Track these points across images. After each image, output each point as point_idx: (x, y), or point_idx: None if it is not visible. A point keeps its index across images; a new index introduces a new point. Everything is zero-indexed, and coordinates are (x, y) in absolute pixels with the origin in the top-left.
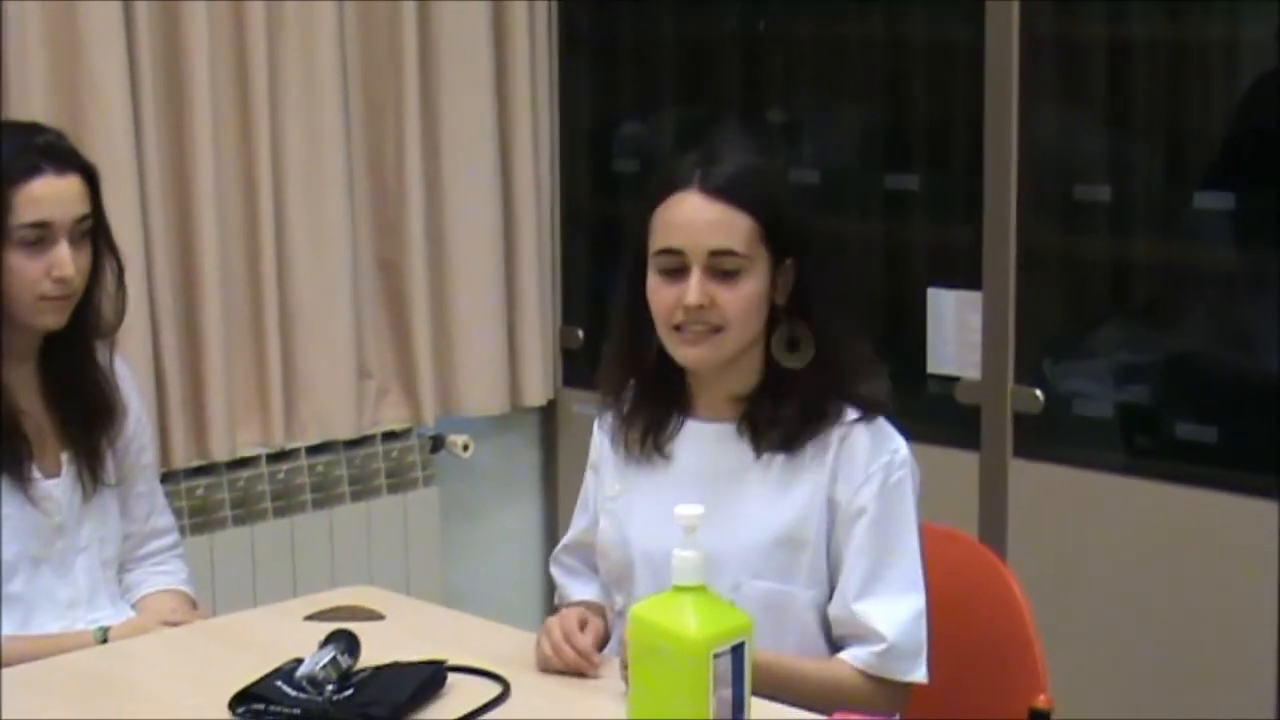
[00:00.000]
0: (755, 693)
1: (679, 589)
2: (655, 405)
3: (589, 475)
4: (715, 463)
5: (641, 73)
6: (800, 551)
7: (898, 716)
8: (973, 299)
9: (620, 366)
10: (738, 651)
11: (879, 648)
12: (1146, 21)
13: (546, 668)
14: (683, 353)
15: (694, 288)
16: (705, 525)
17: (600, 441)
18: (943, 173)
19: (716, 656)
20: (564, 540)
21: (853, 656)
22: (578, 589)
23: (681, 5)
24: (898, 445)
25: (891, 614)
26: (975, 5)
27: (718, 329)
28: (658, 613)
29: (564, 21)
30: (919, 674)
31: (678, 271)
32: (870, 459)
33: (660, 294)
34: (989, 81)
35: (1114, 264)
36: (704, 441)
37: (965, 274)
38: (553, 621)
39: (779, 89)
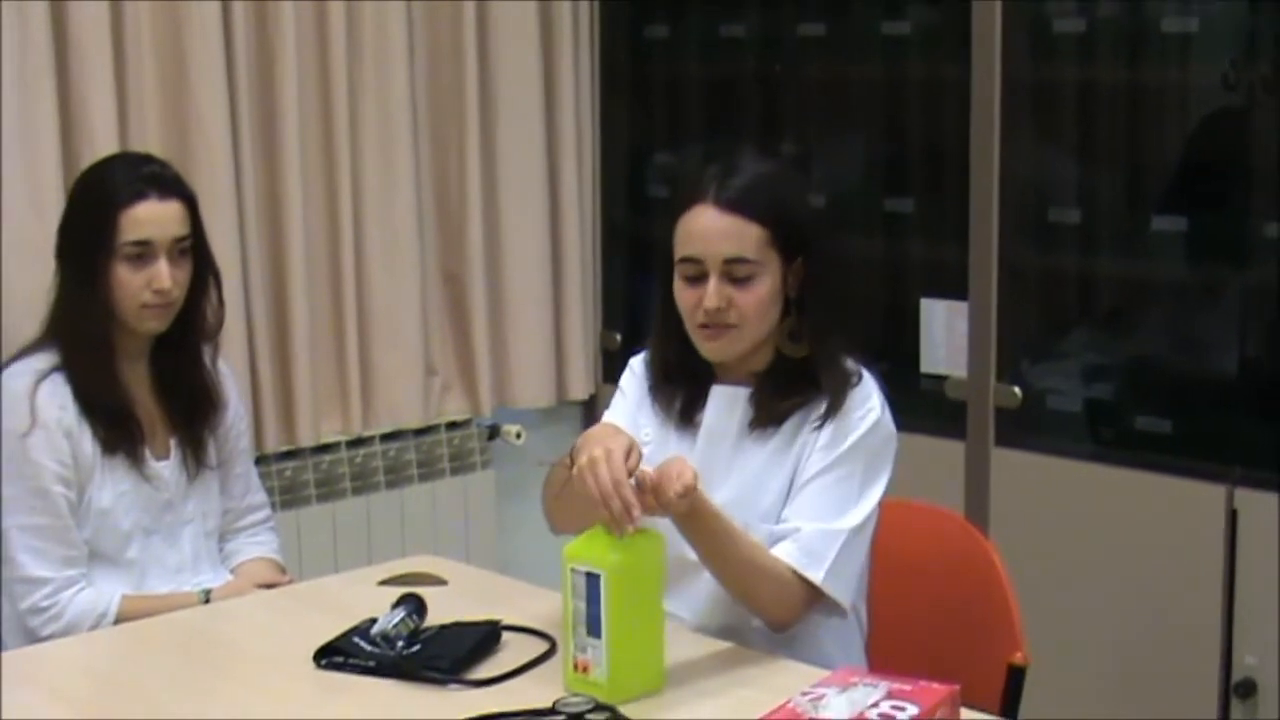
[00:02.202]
0: (700, 541)
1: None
2: (687, 379)
3: (625, 404)
4: (733, 422)
5: (672, 109)
6: None
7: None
8: (960, 308)
9: (661, 346)
10: (592, 578)
11: (791, 538)
12: (1111, 67)
13: (591, 494)
14: (706, 347)
15: (711, 293)
16: (723, 476)
17: (641, 388)
18: (934, 197)
19: (574, 572)
20: None
21: (777, 549)
22: None
23: (707, 50)
24: (873, 405)
25: (813, 520)
26: (963, 51)
27: (733, 326)
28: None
29: (605, 64)
30: (817, 574)
31: (698, 277)
32: (848, 415)
33: (684, 296)
34: (974, 118)
35: (1083, 278)
36: (725, 403)
37: (954, 286)
38: (615, 455)
39: (791, 123)
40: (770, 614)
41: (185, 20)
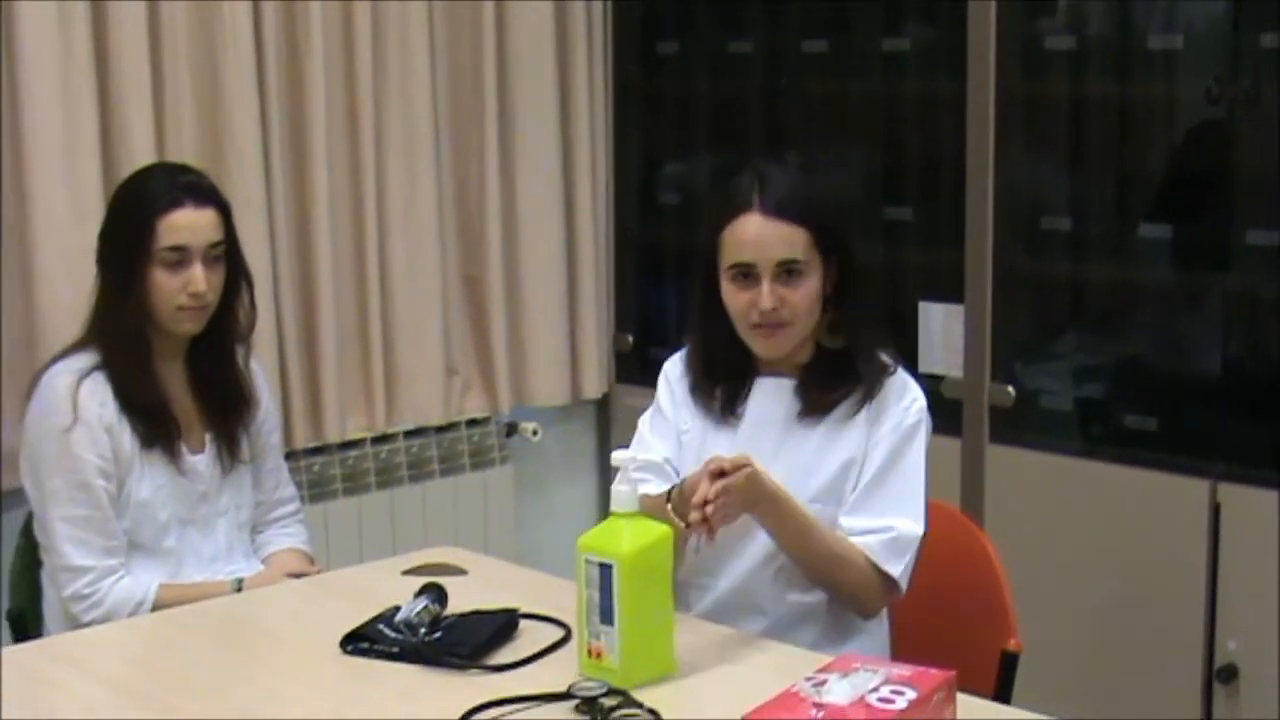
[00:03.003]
0: (783, 533)
1: (615, 515)
2: (729, 373)
3: (658, 419)
4: (778, 412)
5: (682, 122)
6: (846, 483)
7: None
8: (956, 311)
9: (703, 344)
10: (605, 569)
11: (879, 532)
12: (1101, 82)
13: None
14: (761, 345)
15: (766, 294)
16: (769, 463)
17: (675, 388)
18: (932, 205)
19: (588, 562)
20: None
21: (859, 539)
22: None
23: (715, 66)
24: (916, 395)
25: (889, 512)
26: (959, 67)
27: (786, 323)
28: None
29: (618, 79)
30: (896, 569)
31: (750, 281)
32: (893, 405)
33: (737, 299)
34: (970, 130)
35: (1074, 282)
36: (769, 394)
37: (950, 290)
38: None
39: (795, 136)
40: (858, 601)
41: (218, 35)
